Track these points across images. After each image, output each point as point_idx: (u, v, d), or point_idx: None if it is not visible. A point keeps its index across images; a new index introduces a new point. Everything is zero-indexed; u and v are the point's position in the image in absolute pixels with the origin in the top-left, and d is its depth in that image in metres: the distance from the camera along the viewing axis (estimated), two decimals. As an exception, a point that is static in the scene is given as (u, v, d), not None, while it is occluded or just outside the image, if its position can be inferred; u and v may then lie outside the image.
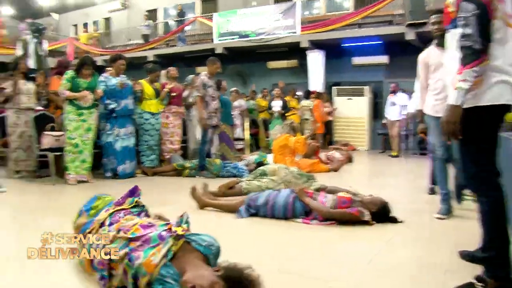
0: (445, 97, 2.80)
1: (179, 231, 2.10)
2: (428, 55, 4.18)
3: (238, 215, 4.02)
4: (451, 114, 2.08)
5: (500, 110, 2.12)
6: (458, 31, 2.11)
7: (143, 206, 2.65)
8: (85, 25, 22.60)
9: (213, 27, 15.33)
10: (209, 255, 2.10)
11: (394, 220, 3.73)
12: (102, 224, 2.37)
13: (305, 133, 10.65)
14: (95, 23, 22.36)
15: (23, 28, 16.07)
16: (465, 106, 2.08)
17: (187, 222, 2.21)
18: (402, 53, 12.01)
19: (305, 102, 11.59)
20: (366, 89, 13.09)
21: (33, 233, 2.48)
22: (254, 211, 4.03)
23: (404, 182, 6.70)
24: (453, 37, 2.22)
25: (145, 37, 18.05)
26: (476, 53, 2.02)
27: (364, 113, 13.04)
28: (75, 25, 23.16)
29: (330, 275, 2.53)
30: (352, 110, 13.13)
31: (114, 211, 2.47)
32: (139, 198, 2.66)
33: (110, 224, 2.33)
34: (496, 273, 2.10)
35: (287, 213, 3.91)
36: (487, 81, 2.08)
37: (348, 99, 13.26)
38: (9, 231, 3.68)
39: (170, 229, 2.15)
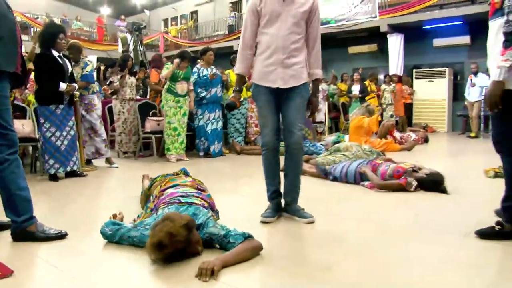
0: None
1: None
2: None
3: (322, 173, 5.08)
4: (494, 88, 2.44)
5: None
6: (500, 21, 2.47)
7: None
8: (174, 19, 24.03)
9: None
10: None
11: (443, 191, 4.12)
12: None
13: (386, 116, 11.06)
14: (183, 16, 23.75)
15: (120, 25, 17.66)
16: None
17: None
18: (485, 33, 11.78)
19: (385, 86, 11.90)
20: (447, 71, 13.08)
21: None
22: (332, 178, 4.90)
23: (471, 162, 6.87)
24: (494, 26, 2.61)
25: (231, 27, 19.00)
26: None
27: (444, 95, 13.06)
28: (165, 20, 24.69)
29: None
30: (432, 92, 13.18)
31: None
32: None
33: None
34: (512, 218, 2.60)
35: (356, 179, 4.64)
36: None
37: (428, 81, 13.33)
38: (124, 197, 4.61)
39: None
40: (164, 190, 3.00)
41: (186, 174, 3.42)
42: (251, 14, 3.21)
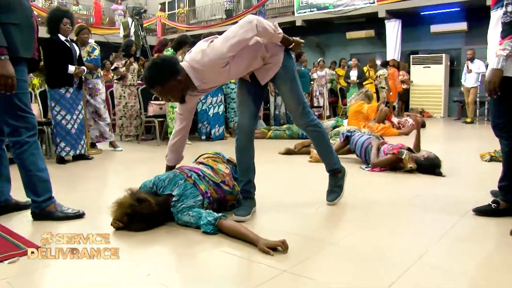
0: None
1: None
2: None
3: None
4: (493, 75, 2.57)
5: None
6: (500, 12, 2.57)
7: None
8: (171, 2, 23.88)
9: (293, 0, 15.96)
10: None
11: (438, 174, 4.26)
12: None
13: (380, 100, 11.18)
14: (180, 0, 23.57)
15: (117, 8, 17.61)
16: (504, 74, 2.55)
17: None
18: (482, 20, 11.92)
19: (380, 71, 12.01)
20: (444, 57, 13.20)
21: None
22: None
23: (466, 146, 7.02)
24: (494, 16, 2.74)
25: (228, 12, 18.97)
26: None
27: (440, 81, 13.19)
28: (163, 3, 24.52)
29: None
30: (429, 78, 13.30)
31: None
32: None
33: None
34: (507, 197, 2.76)
35: (361, 152, 4.96)
36: None
37: (425, 67, 13.44)
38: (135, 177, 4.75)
39: None
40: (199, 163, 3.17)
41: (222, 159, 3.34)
42: None
